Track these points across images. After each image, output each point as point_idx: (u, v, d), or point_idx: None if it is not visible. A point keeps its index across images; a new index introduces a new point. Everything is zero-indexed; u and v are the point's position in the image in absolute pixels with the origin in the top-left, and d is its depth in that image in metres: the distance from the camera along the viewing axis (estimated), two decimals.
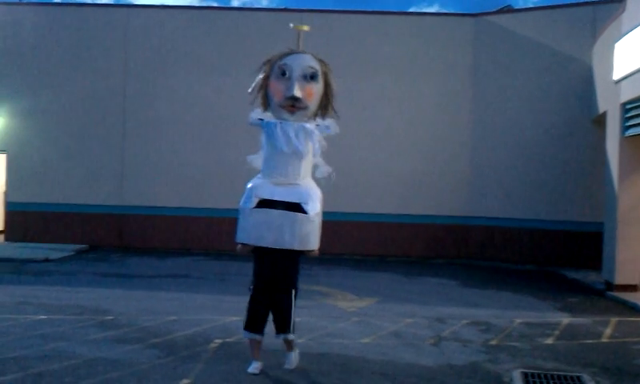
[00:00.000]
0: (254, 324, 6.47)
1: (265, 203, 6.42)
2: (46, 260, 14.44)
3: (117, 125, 17.39)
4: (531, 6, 17.23)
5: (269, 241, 6.37)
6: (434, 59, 17.18)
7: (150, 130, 17.30)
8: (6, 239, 17.47)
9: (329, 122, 6.94)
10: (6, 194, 17.84)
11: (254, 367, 6.48)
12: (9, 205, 17.64)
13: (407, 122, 17.08)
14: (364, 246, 17.10)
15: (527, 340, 8.35)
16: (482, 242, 16.93)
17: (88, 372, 6.29)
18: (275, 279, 6.47)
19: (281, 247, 6.37)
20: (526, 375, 6.68)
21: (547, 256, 16.21)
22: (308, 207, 6.46)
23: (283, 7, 18.68)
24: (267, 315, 6.52)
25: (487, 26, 17.16)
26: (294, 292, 6.56)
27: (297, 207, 6.42)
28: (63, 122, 17.42)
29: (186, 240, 17.16)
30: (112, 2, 18.64)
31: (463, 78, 17.16)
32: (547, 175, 16.23)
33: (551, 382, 6.54)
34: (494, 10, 18.22)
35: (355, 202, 17.02)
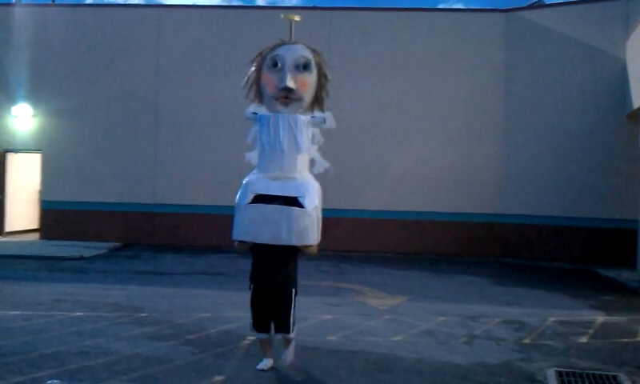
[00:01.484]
0: (259, 323, 6.38)
1: (261, 198, 6.24)
2: (81, 258, 14.64)
3: (149, 124, 17.57)
4: (563, 0, 16.99)
5: (265, 237, 6.17)
6: (465, 55, 17.06)
7: (182, 128, 17.44)
8: (41, 237, 17.75)
9: (326, 114, 6.70)
10: (41, 192, 18.14)
11: (264, 364, 6.45)
12: (44, 203, 17.93)
13: (438, 119, 17.00)
14: (394, 243, 17.05)
15: (561, 338, 8.27)
16: (513, 240, 16.77)
17: (124, 368, 6.39)
18: (274, 277, 6.31)
19: (278, 243, 6.18)
20: (560, 374, 6.62)
21: (580, 254, 16.03)
22: (305, 201, 6.20)
23: (312, 5, 18.67)
24: (271, 312, 6.38)
25: (518, 21, 17.00)
26: (293, 290, 6.42)
27: (294, 202, 6.20)
28: (96, 121, 17.64)
29: (219, 237, 17.24)
30: (144, 3, 18.80)
31: (494, 75, 17.01)
32: (580, 172, 16.06)
33: (586, 381, 6.47)
34: (525, 5, 18.05)
35: (385, 200, 16.99)
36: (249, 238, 6.26)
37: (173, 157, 17.41)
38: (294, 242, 6.19)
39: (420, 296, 11.14)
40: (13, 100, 17.72)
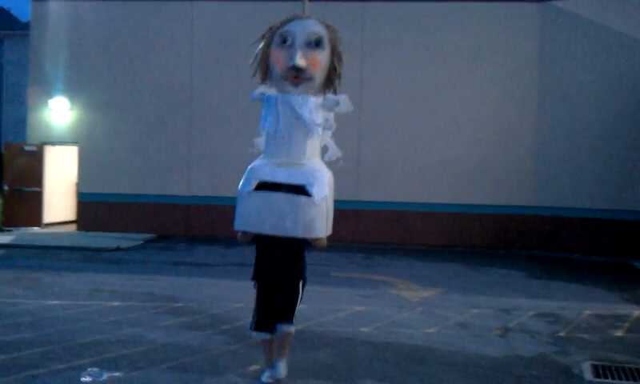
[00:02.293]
0: (263, 323, 5.79)
1: (266, 186, 5.72)
2: (117, 249, 14.86)
3: (184, 116, 17.72)
4: None
5: (269, 228, 5.63)
6: (499, 46, 16.88)
7: (216, 121, 17.55)
8: (78, 229, 18.05)
9: (340, 97, 6.00)
10: (78, 185, 18.44)
11: (268, 376, 5.82)
12: (80, 195, 18.22)
13: (472, 110, 16.84)
14: (427, 236, 16.97)
15: (597, 332, 8.21)
16: (547, 233, 16.56)
17: (161, 357, 6.51)
18: (279, 271, 5.79)
19: (282, 235, 5.63)
20: (596, 367, 6.57)
21: (616, 246, 15.77)
22: (313, 190, 5.60)
23: None
24: (275, 309, 5.82)
25: (554, 11, 16.75)
26: (300, 283, 5.85)
27: (301, 190, 5.62)
28: (132, 114, 17.85)
29: None
30: None
31: (529, 66, 16.79)
32: (615, 164, 15.76)
33: (622, 375, 6.42)
34: None
35: (418, 192, 16.93)
36: (250, 229, 5.75)
37: (207, 149, 17.54)
38: (300, 234, 5.63)
39: (453, 288, 11.10)
40: (50, 93, 18.03)
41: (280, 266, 5.78)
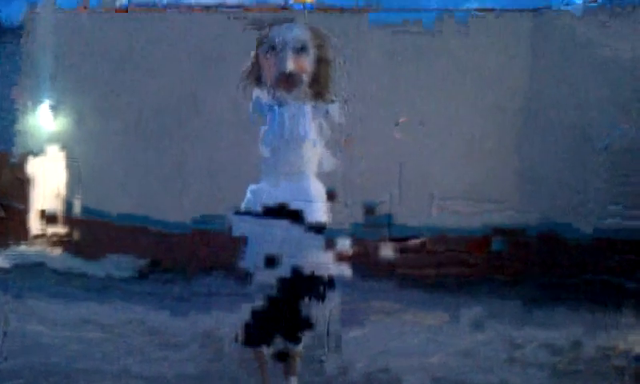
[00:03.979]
0: (262, 333, 5.82)
1: (269, 210, 5.56)
2: (109, 276, 14.57)
3: (184, 132, 17.57)
4: (594, 4, 16.76)
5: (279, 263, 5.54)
6: (490, 57, 16.87)
7: (218, 137, 17.39)
8: (65, 248, 17.71)
9: (331, 106, 5.77)
10: (66, 200, 18.21)
11: None
12: (68, 212, 17.95)
13: (459, 125, 16.80)
14: (431, 264, 16.84)
15: (600, 362, 8.10)
16: (555, 256, 16.46)
17: None
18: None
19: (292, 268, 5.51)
20: None
21: (622, 269, 15.68)
22: (314, 213, 5.51)
23: (340, 6, 18.67)
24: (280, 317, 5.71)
25: (547, 23, 16.80)
26: (322, 288, 5.59)
27: (301, 214, 5.50)
28: (128, 128, 17.57)
29: None
30: (173, 2, 18.99)
31: (521, 78, 16.82)
32: (618, 184, 15.75)
33: None
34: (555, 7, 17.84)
35: (415, 216, 16.84)
36: (258, 263, 5.67)
37: (207, 171, 17.31)
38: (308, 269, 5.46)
39: (455, 317, 10.93)
40: (40, 101, 17.84)
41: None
